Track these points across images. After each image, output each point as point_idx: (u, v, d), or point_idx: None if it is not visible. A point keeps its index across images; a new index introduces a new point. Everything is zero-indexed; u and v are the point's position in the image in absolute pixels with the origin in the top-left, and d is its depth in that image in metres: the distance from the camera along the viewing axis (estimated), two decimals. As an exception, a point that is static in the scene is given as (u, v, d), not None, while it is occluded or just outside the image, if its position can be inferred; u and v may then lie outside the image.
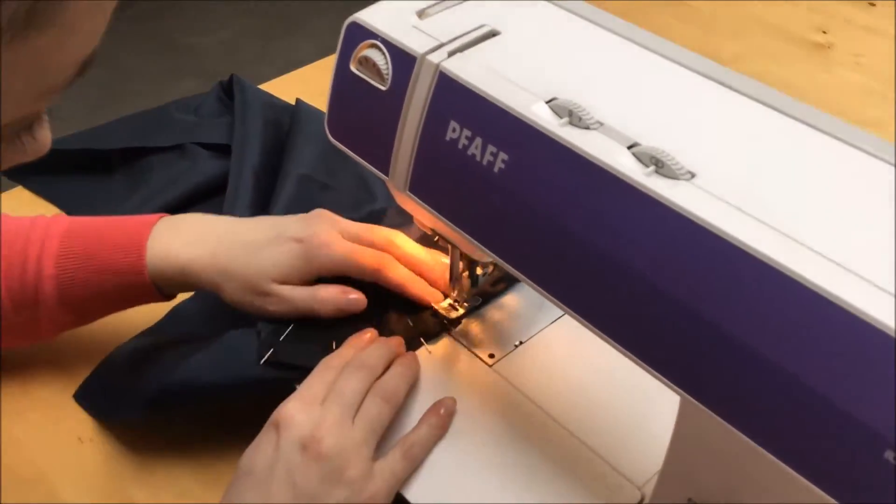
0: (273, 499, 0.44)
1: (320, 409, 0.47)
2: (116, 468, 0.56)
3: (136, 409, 0.54)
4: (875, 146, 0.36)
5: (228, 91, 0.80)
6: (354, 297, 0.54)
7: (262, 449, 0.46)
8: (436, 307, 0.57)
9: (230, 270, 0.54)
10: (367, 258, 0.54)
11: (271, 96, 0.80)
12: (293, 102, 0.78)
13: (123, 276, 0.54)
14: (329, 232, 0.55)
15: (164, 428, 0.57)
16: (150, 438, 0.57)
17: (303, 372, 0.51)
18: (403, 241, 0.57)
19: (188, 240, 0.55)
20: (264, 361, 0.52)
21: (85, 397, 0.59)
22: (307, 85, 0.84)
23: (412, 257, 0.56)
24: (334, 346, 0.53)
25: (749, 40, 0.94)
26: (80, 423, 0.58)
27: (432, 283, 0.57)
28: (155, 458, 0.56)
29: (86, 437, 0.57)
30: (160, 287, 0.55)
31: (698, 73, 0.40)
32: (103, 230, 0.55)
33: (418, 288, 0.56)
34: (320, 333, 0.54)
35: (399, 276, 0.55)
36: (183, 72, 2.08)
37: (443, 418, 0.50)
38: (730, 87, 0.39)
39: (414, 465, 0.48)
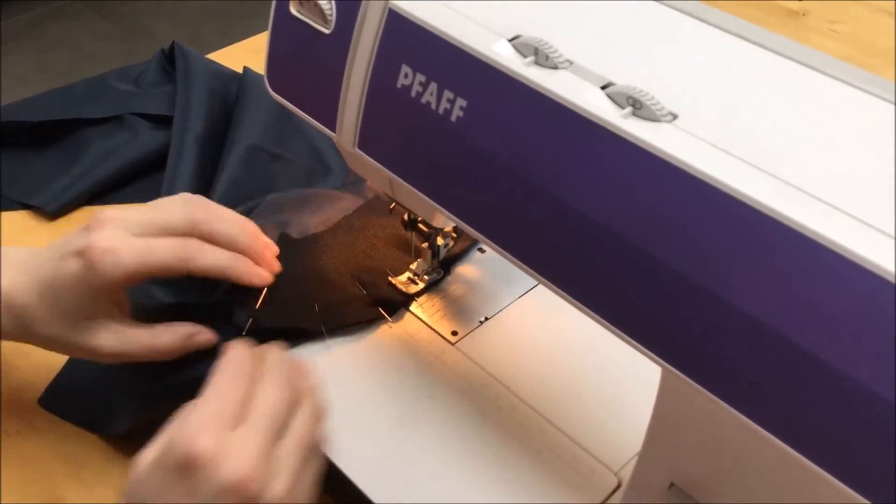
0: None
1: (240, 437, 0.37)
2: (45, 465, 0.51)
3: (125, 421, 0.50)
4: (872, 83, 0.32)
5: (171, 59, 0.75)
6: (203, 338, 0.47)
7: (170, 491, 0.36)
8: (393, 281, 0.52)
9: (29, 326, 0.45)
10: (164, 253, 0.45)
11: (217, 64, 0.75)
12: (241, 72, 0.73)
13: None
14: (112, 235, 0.44)
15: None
16: (82, 433, 0.52)
17: (287, 335, 0.48)
18: (208, 217, 0.46)
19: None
20: (246, 332, 0.48)
21: (54, 404, 0.53)
22: (257, 55, 0.79)
23: (224, 233, 0.47)
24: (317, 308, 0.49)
25: (722, 7, 0.90)
26: (5, 417, 0.53)
27: (256, 260, 0.48)
28: (87, 455, 0.51)
29: (11, 430, 0.52)
30: None
31: (674, 8, 0.36)
32: None
33: (240, 271, 0.47)
34: (300, 290, 0.50)
35: (211, 261, 0.46)
36: (141, 55, 2.00)
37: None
38: (710, 24, 0.35)
39: (319, 458, 0.42)
